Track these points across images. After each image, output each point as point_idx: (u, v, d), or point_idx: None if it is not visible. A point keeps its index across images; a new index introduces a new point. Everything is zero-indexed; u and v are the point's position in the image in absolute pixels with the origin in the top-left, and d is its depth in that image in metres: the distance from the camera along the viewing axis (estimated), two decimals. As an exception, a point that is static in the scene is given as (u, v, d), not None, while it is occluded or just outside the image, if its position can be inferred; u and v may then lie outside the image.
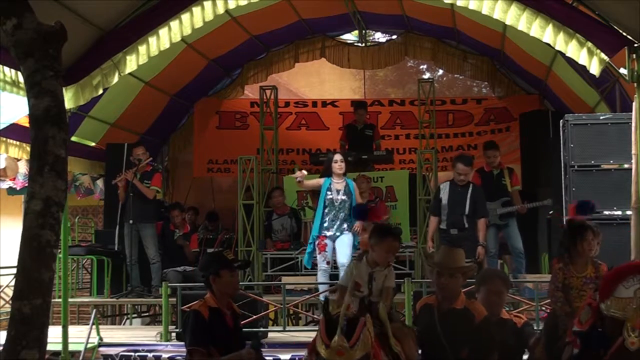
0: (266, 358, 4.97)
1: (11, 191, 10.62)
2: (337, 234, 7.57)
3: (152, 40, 6.60)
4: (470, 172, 7.99)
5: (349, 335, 3.47)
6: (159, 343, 6.71)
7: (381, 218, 5.07)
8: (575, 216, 4.72)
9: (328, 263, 7.56)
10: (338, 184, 7.71)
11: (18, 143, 8.56)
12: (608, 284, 3.37)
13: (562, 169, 7.11)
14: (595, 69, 5.72)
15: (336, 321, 3.51)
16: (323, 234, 7.58)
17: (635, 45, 5.54)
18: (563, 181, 7.11)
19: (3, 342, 3.27)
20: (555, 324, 4.45)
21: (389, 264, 4.38)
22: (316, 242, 7.60)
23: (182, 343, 4.98)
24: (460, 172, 7.85)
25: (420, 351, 4.39)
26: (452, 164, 8.20)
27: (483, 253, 7.81)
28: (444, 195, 7.95)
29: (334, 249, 7.58)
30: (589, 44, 5.72)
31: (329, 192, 7.65)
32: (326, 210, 7.62)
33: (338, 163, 7.72)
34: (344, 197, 7.64)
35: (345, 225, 7.60)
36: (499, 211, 8.36)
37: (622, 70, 5.80)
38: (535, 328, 5.31)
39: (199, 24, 6.60)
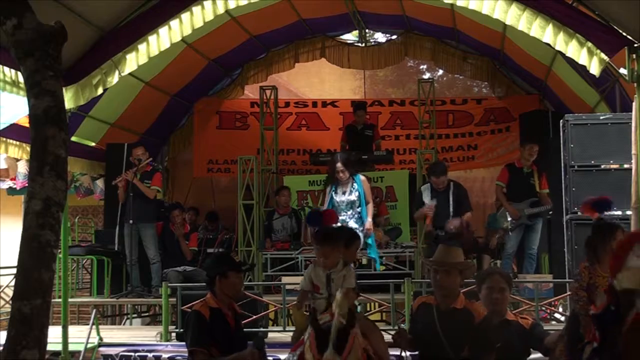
0: (267, 358, 4.96)
1: (11, 191, 10.63)
2: None
3: (152, 39, 6.60)
4: (445, 178, 7.96)
5: (339, 347, 3.45)
6: (159, 343, 6.71)
7: (334, 222, 5.04)
8: (591, 214, 4.66)
9: None
10: (344, 185, 7.70)
11: (18, 143, 8.57)
12: (618, 256, 3.26)
13: (562, 169, 7.12)
14: (595, 69, 5.72)
15: (324, 332, 3.49)
16: None
17: (635, 45, 5.54)
18: (563, 181, 7.12)
19: (3, 342, 3.27)
20: (577, 322, 4.41)
21: (346, 263, 4.37)
22: None
23: (182, 343, 4.99)
24: (437, 184, 7.90)
25: (418, 352, 4.40)
26: (428, 175, 8.22)
27: (455, 223, 7.72)
28: (427, 199, 7.97)
29: None
30: (589, 44, 5.72)
31: (334, 195, 7.68)
32: None
33: (340, 174, 7.68)
34: (349, 198, 7.62)
35: (354, 226, 7.48)
36: (527, 211, 8.31)
37: (622, 70, 5.80)
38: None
39: (199, 23, 6.60)
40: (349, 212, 7.65)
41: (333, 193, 7.68)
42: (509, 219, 8.33)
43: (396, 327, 6.69)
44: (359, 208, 7.66)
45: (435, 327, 4.17)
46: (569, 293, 6.64)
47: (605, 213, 4.70)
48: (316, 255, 4.32)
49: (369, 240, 7.70)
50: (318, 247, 4.27)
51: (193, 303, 4.79)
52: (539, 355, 4.78)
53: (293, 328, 7.62)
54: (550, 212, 8.40)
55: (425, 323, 4.28)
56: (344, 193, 7.67)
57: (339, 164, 7.71)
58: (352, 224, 7.54)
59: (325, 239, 4.31)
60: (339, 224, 6.29)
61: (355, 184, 7.64)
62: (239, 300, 5.36)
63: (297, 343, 4.03)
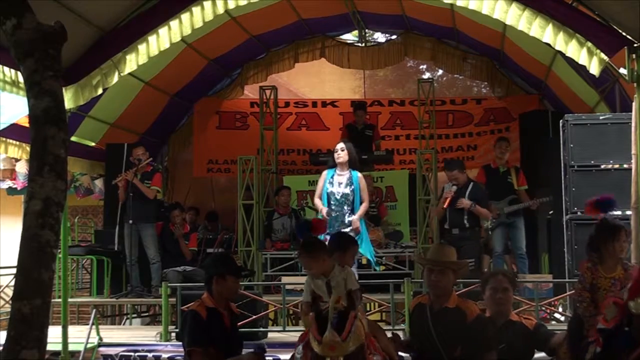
0: (266, 358, 4.97)
1: (11, 191, 10.65)
2: (340, 230, 6.88)
3: (152, 40, 6.60)
4: (460, 174, 7.98)
5: (340, 329, 3.47)
6: (158, 343, 6.70)
7: (323, 231, 4.97)
8: (595, 213, 4.65)
9: None
10: (341, 176, 7.22)
11: (18, 143, 8.57)
12: (638, 282, 3.26)
13: (562, 169, 7.12)
14: (595, 69, 5.72)
15: (326, 316, 3.51)
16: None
17: (635, 45, 5.54)
18: (563, 181, 7.12)
19: (3, 342, 3.27)
20: (580, 323, 4.40)
21: (341, 266, 4.32)
22: None
23: (182, 343, 4.99)
24: (450, 178, 7.98)
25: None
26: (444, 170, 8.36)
27: (466, 203, 7.83)
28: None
29: None
30: (589, 44, 5.71)
31: (329, 185, 7.21)
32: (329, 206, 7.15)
33: (338, 152, 7.24)
34: (345, 190, 7.16)
35: (349, 220, 7.14)
36: (507, 209, 8.39)
37: (622, 70, 5.80)
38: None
39: (198, 24, 6.60)
40: (344, 207, 7.20)
41: (328, 184, 7.23)
42: (489, 217, 8.40)
43: (395, 328, 6.73)
44: (353, 204, 7.22)
45: (429, 327, 4.18)
46: (569, 293, 6.65)
47: (609, 213, 4.69)
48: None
49: (363, 237, 7.28)
50: (299, 259, 4.24)
51: (191, 304, 4.79)
52: (542, 354, 4.79)
53: (293, 328, 7.70)
54: (551, 213, 8.41)
55: (419, 323, 4.29)
56: (340, 184, 7.22)
57: (340, 143, 7.39)
58: (347, 219, 7.18)
59: (303, 250, 4.28)
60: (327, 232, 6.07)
61: (352, 179, 7.24)
62: (238, 300, 5.36)
63: (304, 334, 4.05)
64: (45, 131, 3.40)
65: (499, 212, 8.36)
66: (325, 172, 7.36)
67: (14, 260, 3.54)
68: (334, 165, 7.33)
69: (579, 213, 6.76)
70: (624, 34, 5.66)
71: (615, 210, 5.40)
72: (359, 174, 7.37)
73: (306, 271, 4.25)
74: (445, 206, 7.93)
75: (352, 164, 7.31)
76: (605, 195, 4.70)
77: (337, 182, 7.24)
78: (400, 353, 4.50)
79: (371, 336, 3.87)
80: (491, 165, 8.76)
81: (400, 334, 6.11)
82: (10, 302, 4.69)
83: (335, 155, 7.29)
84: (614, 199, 4.70)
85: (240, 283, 5.07)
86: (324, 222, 5.32)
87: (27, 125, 4.45)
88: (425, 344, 4.22)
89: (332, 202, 7.22)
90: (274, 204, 10.17)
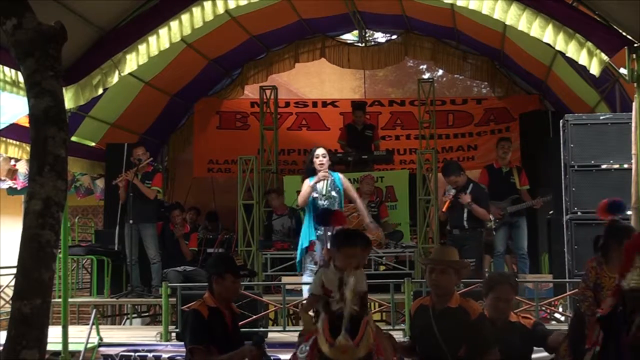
0: (266, 353, 4.97)
1: (11, 191, 10.64)
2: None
3: (152, 40, 6.60)
4: (457, 178, 7.98)
5: (352, 333, 3.46)
6: (159, 343, 6.71)
7: (344, 223, 4.89)
8: (606, 216, 4.64)
9: (316, 263, 6.83)
10: (323, 181, 7.10)
11: (18, 143, 8.56)
12: (627, 257, 3.23)
13: (562, 169, 7.12)
14: (595, 69, 5.72)
15: (338, 318, 3.50)
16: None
17: (635, 45, 5.54)
18: (563, 181, 7.12)
19: (3, 342, 3.27)
20: (582, 321, 4.40)
21: (357, 267, 4.29)
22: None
23: (182, 343, 5.00)
24: (449, 183, 8.02)
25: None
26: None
27: (466, 198, 7.85)
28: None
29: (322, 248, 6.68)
30: (589, 44, 5.72)
31: (314, 192, 7.09)
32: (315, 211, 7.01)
33: (319, 158, 7.10)
34: (330, 193, 7.09)
35: None
36: (510, 209, 8.40)
37: (622, 70, 5.81)
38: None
39: (198, 24, 6.61)
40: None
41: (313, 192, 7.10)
42: (492, 218, 8.41)
43: (395, 328, 6.73)
44: (339, 205, 7.14)
45: (432, 327, 4.17)
46: (569, 293, 6.65)
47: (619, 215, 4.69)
48: (342, 257, 4.18)
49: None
50: (347, 249, 4.13)
51: (192, 303, 4.80)
52: (545, 354, 4.80)
53: (293, 328, 7.69)
54: (551, 213, 8.41)
55: (422, 325, 4.28)
56: (326, 189, 7.12)
57: (319, 149, 7.19)
58: None
59: (358, 240, 4.16)
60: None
61: (335, 182, 7.14)
62: (238, 300, 5.37)
63: (310, 333, 4.02)
64: (46, 131, 3.40)
65: (503, 212, 8.37)
66: (307, 181, 7.15)
67: (14, 260, 3.54)
68: (313, 172, 7.14)
69: (579, 213, 6.77)
70: (624, 34, 5.66)
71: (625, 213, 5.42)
72: (340, 175, 7.32)
73: (336, 264, 4.15)
74: (444, 210, 7.96)
75: (330, 167, 7.23)
76: (616, 198, 4.70)
77: (319, 185, 7.10)
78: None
79: (377, 340, 3.86)
80: (494, 165, 8.78)
81: (401, 333, 6.13)
82: (11, 302, 4.69)
83: (317, 161, 7.12)
84: (624, 202, 4.70)
85: (241, 283, 5.06)
86: (344, 216, 5.21)
87: (27, 125, 4.45)
88: (428, 346, 4.21)
89: (317, 208, 7.06)
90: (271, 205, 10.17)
